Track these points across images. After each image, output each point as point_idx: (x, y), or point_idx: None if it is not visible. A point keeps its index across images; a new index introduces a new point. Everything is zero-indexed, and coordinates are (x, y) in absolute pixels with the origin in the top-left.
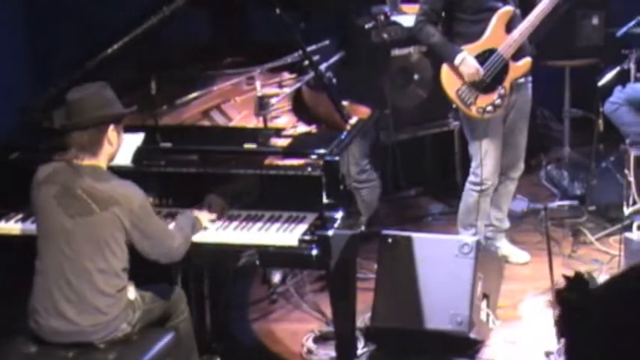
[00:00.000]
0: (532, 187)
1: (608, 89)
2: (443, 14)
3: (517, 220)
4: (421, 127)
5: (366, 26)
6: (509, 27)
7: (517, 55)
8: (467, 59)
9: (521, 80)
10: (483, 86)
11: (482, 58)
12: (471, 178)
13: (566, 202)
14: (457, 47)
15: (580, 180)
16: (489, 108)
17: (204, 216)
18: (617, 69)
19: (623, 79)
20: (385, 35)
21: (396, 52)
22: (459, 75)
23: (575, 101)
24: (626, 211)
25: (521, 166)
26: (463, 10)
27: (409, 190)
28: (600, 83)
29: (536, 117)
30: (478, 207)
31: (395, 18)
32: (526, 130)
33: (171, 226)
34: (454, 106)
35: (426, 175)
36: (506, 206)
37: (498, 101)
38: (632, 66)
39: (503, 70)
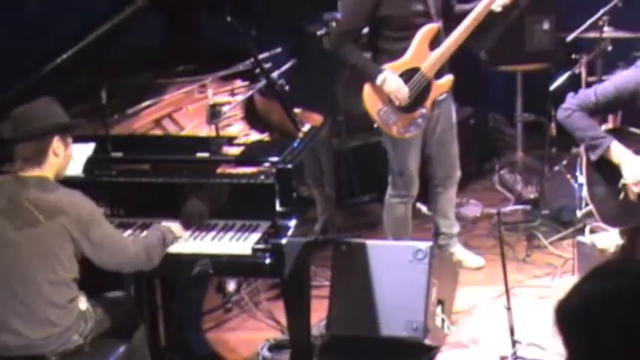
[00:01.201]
0: (486, 192)
1: (560, 93)
2: (365, 30)
3: (471, 225)
4: (374, 133)
5: (318, 33)
6: (433, 44)
7: (439, 73)
8: (389, 78)
9: (442, 97)
10: (405, 106)
11: (406, 76)
12: (394, 191)
13: (520, 207)
14: (379, 66)
15: (533, 184)
16: (411, 128)
17: (177, 226)
18: (568, 73)
19: (574, 83)
20: (328, 39)
21: None
22: (381, 95)
23: (528, 105)
24: (579, 214)
25: (458, 173)
26: (387, 26)
27: (363, 196)
28: (552, 88)
29: (488, 122)
30: (406, 216)
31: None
32: (455, 140)
33: (143, 235)
34: (375, 125)
35: (380, 181)
36: (452, 212)
37: (419, 121)
38: (583, 70)
39: (426, 89)
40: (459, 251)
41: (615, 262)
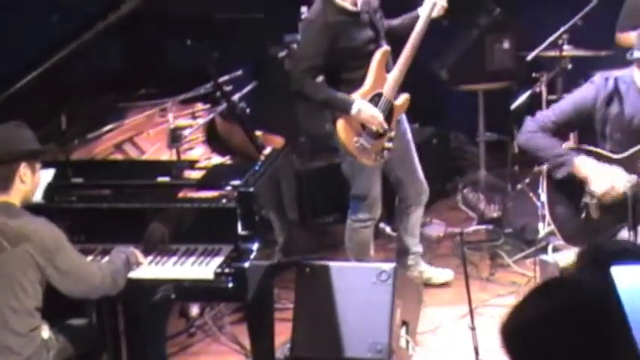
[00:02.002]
0: (449, 211)
1: (521, 112)
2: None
3: (435, 245)
4: (337, 154)
5: (280, 55)
6: (387, 66)
7: (396, 94)
8: (363, 107)
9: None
10: (375, 133)
11: (374, 103)
12: (358, 216)
13: (482, 227)
14: (349, 97)
15: (496, 203)
16: (384, 153)
17: (138, 250)
18: (529, 92)
19: (535, 102)
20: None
21: None
22: (354, 126)
23: (489, 124)
24: (541, 232)
25: (427, 189)
26: (344, 57)
27: (327, 217)
28: (513, 106)
29: (450, 141)
30: (370, 239)
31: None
32: (416, 158)
33: (107, 259)
34: (347, 157)
35: (343, 201)
36: (418, 230)
37: (389, 144)
38: (544, 89)
39: (390, 112)
40: (426, 269)
41: (555, 281)
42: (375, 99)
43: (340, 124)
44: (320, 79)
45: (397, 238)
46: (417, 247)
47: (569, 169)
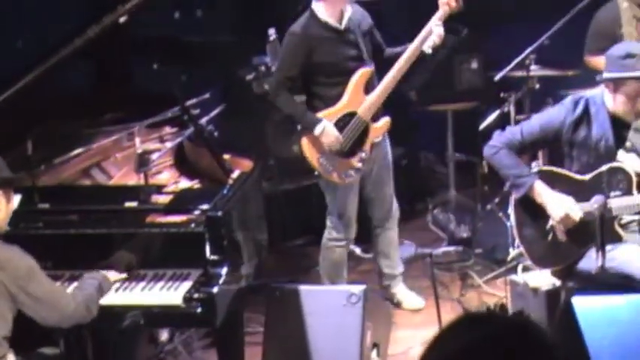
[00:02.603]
0: (419, 232)
1: (490, 132)
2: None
3: (406, 266)
4: (306, 176)
5: (248, 77)
6: (368, 88)
7: (375, 116)
8: (326, 129)
9: (379, 138)
10: (344, 152)
11: (343, 122)
12: (332, 234)
13: (452, 248)
14: (316, 117)
15: (466, 223)
16: (351, 172)
17: (110, 275)
18: (497, 112)
19: (503, 121)
20: (267, 86)
21: None
22: (320, 143)
23: (459, 144)
24: (512, 252)
25: (396, 213)
26: (321, 72)
27: (297, 240)
28: (481, 127)
29: (420, 161)
30: (343, 260)
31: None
32: (391, 181)
33: (72, 288)
34: (316, 173)
35: (313, 223)
36: (394, 252)
37: (359, 165)
38: (512, 108)
39: (364, 132)
40: (400, 292)
41: (472, 314)
42: (346, 118)
43: (305, 141)
44: (302, 98)
45: (374, 259)
46: (390, 269)
47: (527, 191)
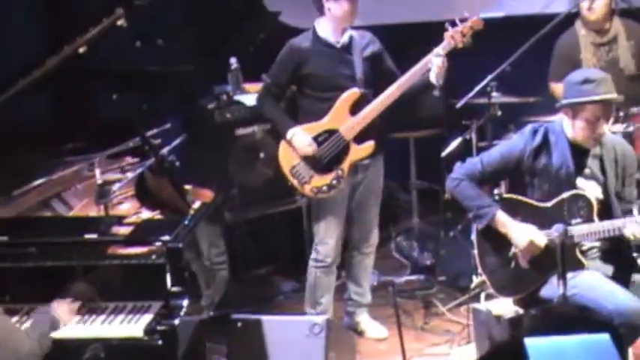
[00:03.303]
0: (383, 260)
1: (452, 159)
2: (293, 88)
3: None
4: (269, 205)
5: (209, 106)
6: (355, 109)
7: (361, 138)
8: (297, 134)
9: (367, 162)
10: (320, 166)
11: (323, 137)
12: (313, 255)
13: (414, 277)
14: (291, 122)
15: (429, 250)
16: (324, 188)
17: (64, 308)
18: (460, 139)
19: (466, 148)
20: (228, 115)
21: (240, 131)
22: (295, 153)
23: (422, 171)
24: (475, 280)
25: (374, 240)
26: (311, 85)
27: (260, 269)
28: (444, 154)
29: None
30: (321, 283)
31: (238, 97)
32: (377, 207)
33: (31, 321)
34: (289, 183)
35: (276, 252)
36: (366, 281)
37: (334, 182)
38: (474, 136)
39: (343, 151)
40: (364, 320)
41: None
42: (326, 134)
43: (282, 145)
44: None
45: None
46: (359, 297)
47: (489, 222)
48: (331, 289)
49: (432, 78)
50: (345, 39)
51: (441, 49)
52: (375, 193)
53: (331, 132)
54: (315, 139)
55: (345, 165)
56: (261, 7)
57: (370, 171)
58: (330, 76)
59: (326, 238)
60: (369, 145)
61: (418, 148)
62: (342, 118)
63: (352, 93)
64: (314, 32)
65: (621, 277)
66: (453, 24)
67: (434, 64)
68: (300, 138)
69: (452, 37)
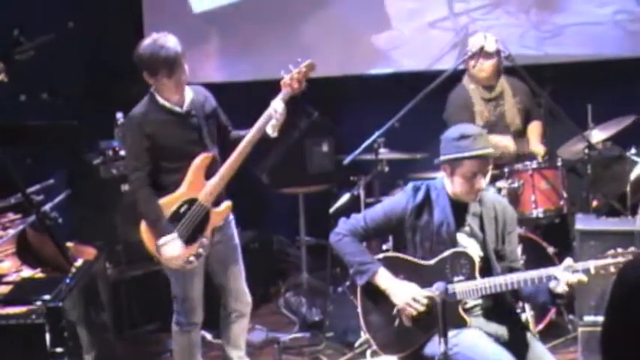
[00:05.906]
0: (271, 316)
1: (342, 214)
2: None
3: (257, 351)
4: (155, 262)
5: (95, 162)
6: (209, 173)
7: (216, 201)
8: (170, 244)
9: (221, 223)
10: (184, 239)
11: (184, 209)
12: (180, 319)
13: (300, 335)
14: (167, 225)
15: (318, 306)
16: (191, 259)
17: None
18: (348, 195)
19: (354, 204)
20: (114, 170)
21: (127, 186)
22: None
23: (311, 226)
24: (362, 336)
25: (248, 300)
26: (163, 157)
27: (145, 326)
28: (332, 210)
29: (273, 244)
30: (193, 344)
31: (124, 153)
32: (241, 266)
33: None
34: (155, 259)
35: (162, 309)
36: (244, 343)
37: (200, 250)
38: (362, 192)
39: (205, 218)
40: None
41: None
42: (186, 205)
43: (143, 226)
44: None
45: (222, 347)
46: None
47: (369, 279)
48: (199, 349)
49: (268, 128)
50: (187, 103)
51: (279, 99)
52: (234, 250)
53: (191, 202)
54: (177, 212)
55: (208, 232)
56: None
57: (224, 232)
58: (181, 145)
59: (189, 299)
60: (226, 206)
61: (307, 204)
62: (199, 184)
63: (204, 158)
64: (153, 101)
65: (517, 335)
66: (288, 71)
67: (276, 114)
68: (171, 250)
69: (289, 85)
